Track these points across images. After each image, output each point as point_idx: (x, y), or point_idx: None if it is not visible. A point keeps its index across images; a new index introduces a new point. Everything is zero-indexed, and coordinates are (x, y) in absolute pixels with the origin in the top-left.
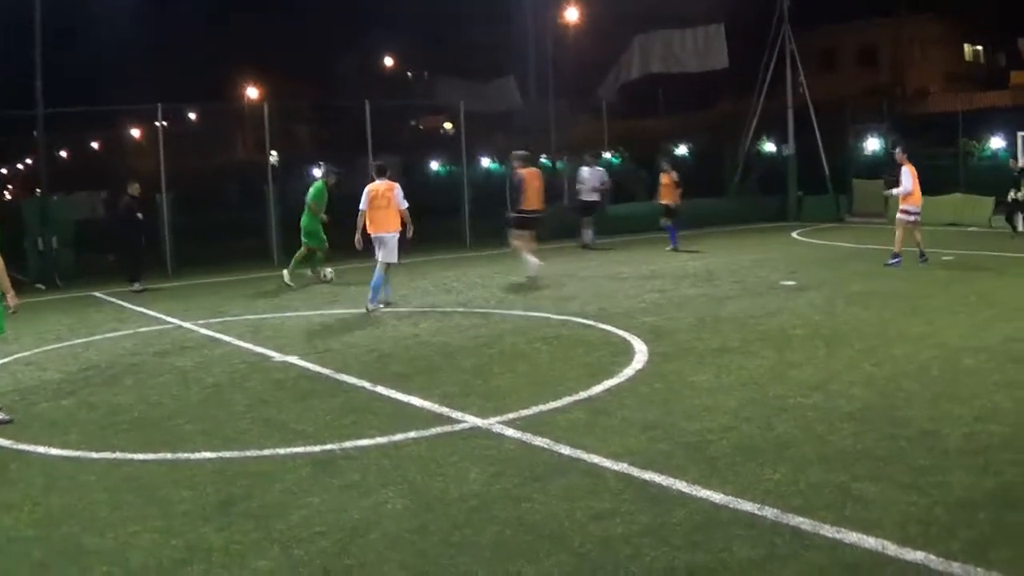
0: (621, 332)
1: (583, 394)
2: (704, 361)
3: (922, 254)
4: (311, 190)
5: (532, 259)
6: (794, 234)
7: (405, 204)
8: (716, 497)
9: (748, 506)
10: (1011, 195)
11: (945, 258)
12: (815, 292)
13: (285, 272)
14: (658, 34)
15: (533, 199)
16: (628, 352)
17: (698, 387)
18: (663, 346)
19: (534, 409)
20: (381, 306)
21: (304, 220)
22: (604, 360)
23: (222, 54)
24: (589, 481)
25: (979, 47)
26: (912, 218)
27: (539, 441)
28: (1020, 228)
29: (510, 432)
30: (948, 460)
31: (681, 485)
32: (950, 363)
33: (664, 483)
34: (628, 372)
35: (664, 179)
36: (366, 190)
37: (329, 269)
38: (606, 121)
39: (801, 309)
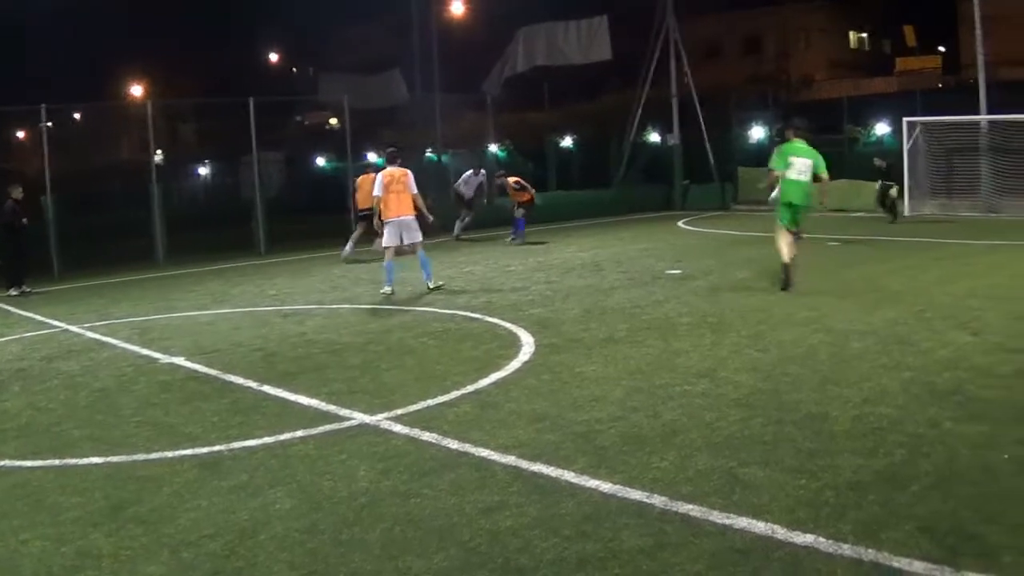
0: (508, 325)
1: (471, 388)
2: (591, 352)
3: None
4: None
5: None
6: (680, 223)
7: (415, 190)
8: (605, 487)
9: (637, 495)
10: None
11: (831, 244)
12: (701, 280)
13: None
14: (542, 27)
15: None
16: (515, 344)
17: (585, 378)
18: (550, 338)
19: (422, 404)
20: (441, 283)
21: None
22: (492, 353)
23: (106, 53)
24: (478, 475)
25: (865, 34)
26: None
27: (427, 436)
28: (890, 217)
29: (398, 428)
30: (836, 443)
31: (570, 476)
32: (837, 347)
33: (553, 474)
34: (515, 364)
35: (508, 188)
36: (380, 176)
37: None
38: (491, 114)
39: (687, 297)
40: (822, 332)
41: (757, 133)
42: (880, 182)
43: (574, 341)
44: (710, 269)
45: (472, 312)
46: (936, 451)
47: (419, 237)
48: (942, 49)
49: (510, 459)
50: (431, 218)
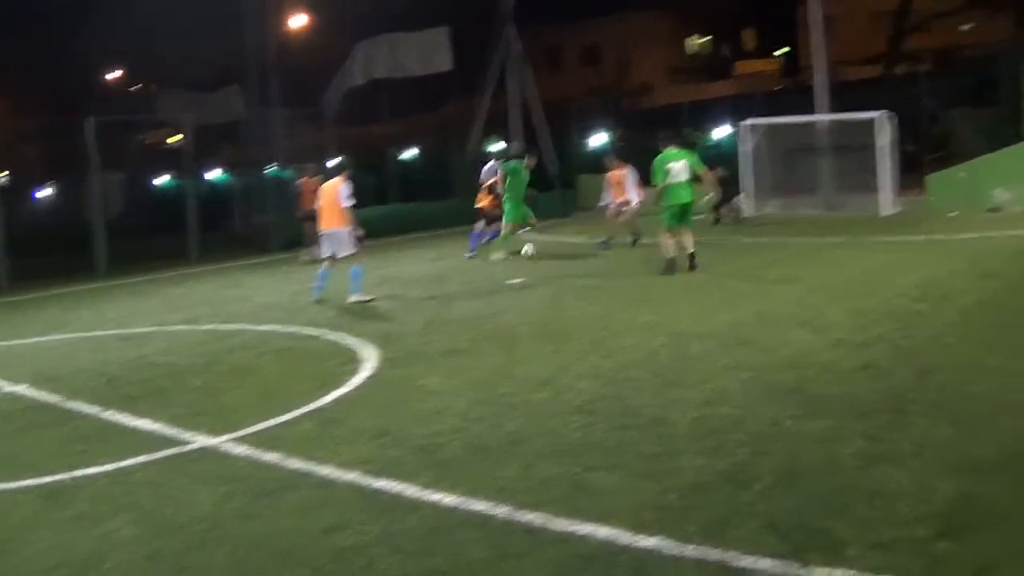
0: (351, 340)
1: (313, 405)
2: (434, 364)
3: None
4: (513, 170)
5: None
6: (522, 232)
7: (348, 202)
8: (448, 500)
9: (481, 506)
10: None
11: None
12: (543, 288)
13: (495, 254)
14: (382, 39)
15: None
16: (358, 359)
17: (428, 390)
18: (393, 351)
19: (264, 424)
20: (365, 297)
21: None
22: (333, 369)
23: None
24: (321, 493)
25: (705, 39)
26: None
27: (269, 456)
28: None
29: (240, 450)
30: (679, 445)
31: (413, 490)
32: (678, 350)
33: (396, 490)
34: (358, 380)
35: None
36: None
37: (529, 246)
38: (331, 128)
39: (529, 306)
40: (664, 336)
41: (598, 141)
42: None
43: (416, 354)
44: (552, 276)
45: (314, 328)
46: (779, 448)
47: (345, 251)
48: (784, 51)
49: (353, 476)
50: (361, 232)
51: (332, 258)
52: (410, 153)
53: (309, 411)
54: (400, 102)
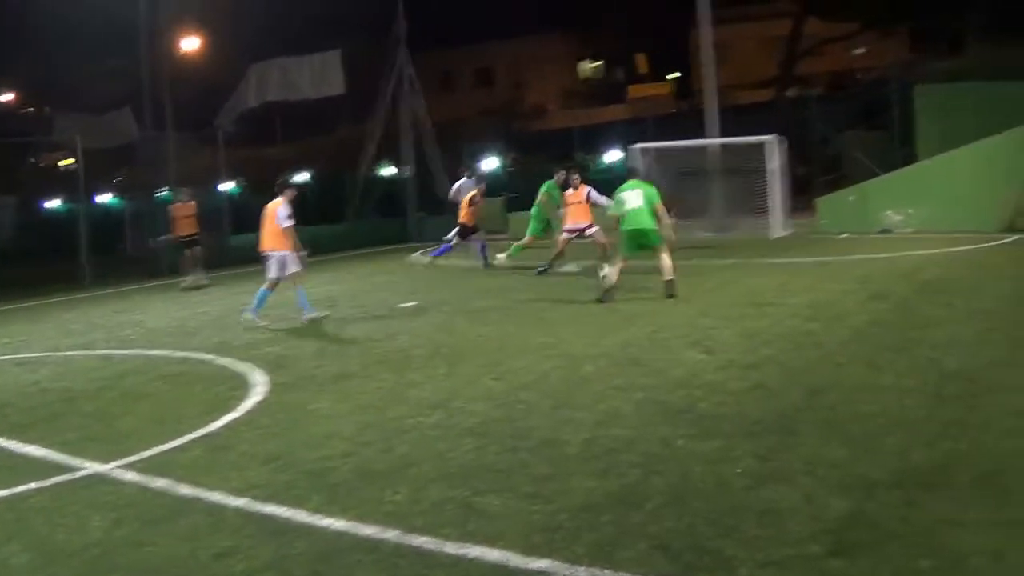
0: (242, 365)
1: (203, 431)
2: (325, 388)
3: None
4: (543, 187)
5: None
6: (416, 255)
7: (286, 223)
8: (338, 524)
9: (370, 530)
10: None
11: (569, 270)
12: (436, 311)
13: (501, 256)
14: (275, 62)
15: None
16: (248, 384)
17: (319, 415)
18: (284, 376)
19: (154, 450)
20: (259, 321)
21: (533, 211)
22: (224, 394)
23: None
24: (210, 519)
25: (597, 64)
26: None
27: (159, 483)
28: None
29: (130, 476)
30: (570, 466)
31: (302, 515)
32: (571, 371)
33: (285, 515)
34: (248, 405)
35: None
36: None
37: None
38: (223, 151)
39: (422, 329)
40: (556, 357)
41: (491, 163)
42: None
43: (307, 378)
44: (445, 300)
45: (206, 353)
46: (670, 469)
47: (272, 274)
48: (678, 75)
49: (242, 502)
50: (303, 252)
51: (275, 281)
52: (303, 176)
53: (199, 436)
54: (294, 125)
